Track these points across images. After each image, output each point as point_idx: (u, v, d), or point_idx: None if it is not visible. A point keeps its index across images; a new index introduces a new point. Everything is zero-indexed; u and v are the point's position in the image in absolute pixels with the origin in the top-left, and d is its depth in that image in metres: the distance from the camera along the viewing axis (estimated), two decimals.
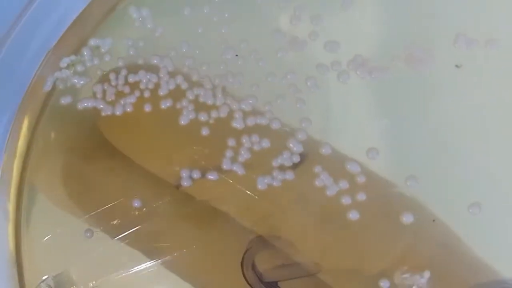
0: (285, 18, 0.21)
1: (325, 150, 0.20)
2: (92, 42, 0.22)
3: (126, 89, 0.22)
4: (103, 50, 0.22)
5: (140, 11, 0.22)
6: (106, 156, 0.22)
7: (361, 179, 0.20)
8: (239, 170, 0.21)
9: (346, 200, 0.20)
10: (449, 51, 0.19)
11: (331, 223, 0.20)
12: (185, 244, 0.21)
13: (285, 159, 0.21)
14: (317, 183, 0.20)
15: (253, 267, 0.21)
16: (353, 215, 0.19)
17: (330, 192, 0.20)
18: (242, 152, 0.21)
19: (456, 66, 0.19)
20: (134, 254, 0.21)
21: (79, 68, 0.23)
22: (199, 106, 0.21)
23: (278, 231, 0.21)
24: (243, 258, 0.21)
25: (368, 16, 0.20)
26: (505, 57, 0.19)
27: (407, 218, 0.19)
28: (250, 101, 0.21)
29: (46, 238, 0.22)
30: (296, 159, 0.20)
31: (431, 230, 0.19)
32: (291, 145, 0.21)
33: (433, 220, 0.19)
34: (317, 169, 0.20)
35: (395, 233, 0.19)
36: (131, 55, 0.22)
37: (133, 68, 0.22)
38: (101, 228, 0.21)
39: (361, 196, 0.20)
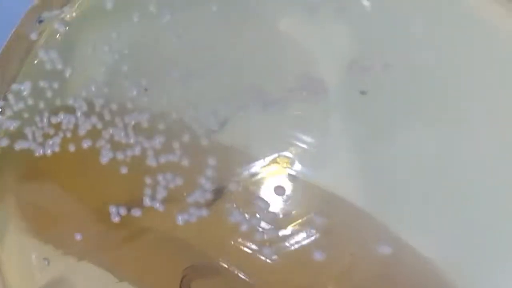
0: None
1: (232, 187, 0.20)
2: (14, 86, 0.23)
3: (51, 131, 0.22)
4: (25, 93, 0.23)
5: (48, 53, 0.22)
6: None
7: None
8: (159, 207, 0.21)
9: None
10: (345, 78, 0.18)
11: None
12: (123, 270, 0.22)
13: (197, 196, 0.20)
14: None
15: None
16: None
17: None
18: (159, 189, 0.21)
19: (361, 92, 0.18)
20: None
21: (8, 112, 0.23)
22: (116, 145, 0.21)
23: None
24: (180, 286, 0.22)
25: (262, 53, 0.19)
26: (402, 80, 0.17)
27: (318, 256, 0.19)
28: (158, 140, 0.21)
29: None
30: (209, 195, 0.20)
31: None
32: (202, 181, 0.20)
33: None
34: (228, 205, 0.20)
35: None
36: (49, 97, 0.22)
37: (54, 110, 0.22)
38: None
39: None
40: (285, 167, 0.19)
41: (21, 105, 0.23)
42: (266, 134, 0.19)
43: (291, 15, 0.18)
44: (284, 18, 0.18)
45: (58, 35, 0.22)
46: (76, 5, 0.21)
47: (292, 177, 0.19)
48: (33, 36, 0.22)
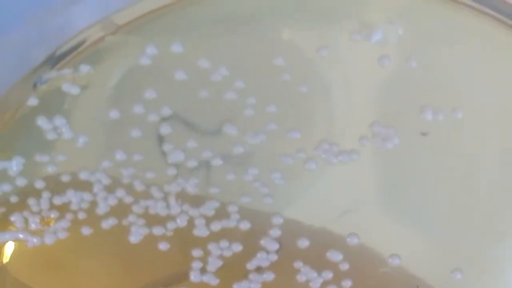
0: None
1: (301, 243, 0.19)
2: None
3: (53, 214, 0.18)
4: (11, 173, 0.18)
5: (52, 120, 0.18)
6: None
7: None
8: (211, 280, 0.19)
9: None
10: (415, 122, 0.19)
11: None
12: None
13: (260, 259, 0.19)
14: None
15: None
16: None
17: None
18: (211, 261, 0.19)
19: (422, 134, 0.19)
20: None
21: None
22: (151, 219, 0.19)
23: None
24: None
25: (330, 99, 0.19)
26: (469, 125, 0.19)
27: None
28: (211, 206, 0.19)
29: None
30: (273, 257, 0.19)
31: None
32: (265, 244, 0.19)
33: (417, 286, 0.19)
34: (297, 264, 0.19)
35: None
36: (51, 174, 0.18)
37: (58, 189, 0.18)
38: None
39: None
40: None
41: (5, 188, 0.18)
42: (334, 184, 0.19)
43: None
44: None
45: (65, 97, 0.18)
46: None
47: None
48: (31, 102, 0.18)
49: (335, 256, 0.19)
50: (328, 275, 0.19)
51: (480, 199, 0.19)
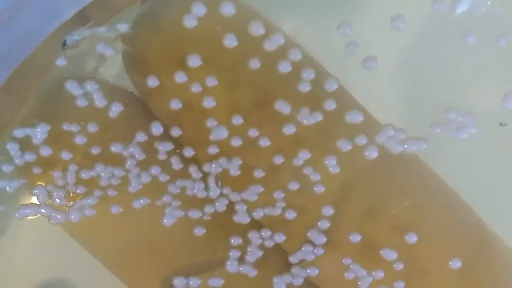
0: None
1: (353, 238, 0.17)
2: (16, 132, 0.16)
3: (80, 189, 0.16)
4: (35, 141, 0.16)
5: (82, 85, 0.16)
6: None
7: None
8: (249, 271, 0.17)
9: None
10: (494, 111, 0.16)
11: None
12: None
13: (306, 252, 0.17)
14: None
15: None
16: None
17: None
18: (251, 250, 0.17)
19: (500, 124, 0.16)
20: None
21: (5, 168, 0.16)
22: (187, 201, 0.17)
23: None
24: None
25: (401, 82, 0.16)
26: None
27: None
28: (255, 190, 0.17)
29: None
30: (319, 252, 0.17)
31: None
32: (311, 236, 0.17)
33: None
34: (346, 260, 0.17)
35: None
36: (79, 145, 0.16)
37: (86, 162, 0.16)
38: None
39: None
40: None
41: (28, 157, 0.16)
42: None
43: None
44: None
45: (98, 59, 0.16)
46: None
47: None
48: (60, 62, 0.15)
49: (388, 254, 0.17)
50: (379, 274, 0.17)
51: None
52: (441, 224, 0.17)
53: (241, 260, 0.17)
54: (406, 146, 0.16)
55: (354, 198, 0.17)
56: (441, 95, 0.16)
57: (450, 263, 0.17)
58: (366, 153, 0.16)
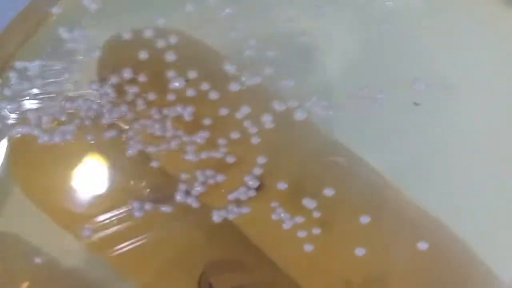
0: None
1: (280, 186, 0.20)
2: (18, 65, 0.20)
3: (64, 117, 0.20)
4: (30, 74, 0.20)
5: (72, 32, 0.20)
6: None
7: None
8: (194, 203, 0.20)
9: None
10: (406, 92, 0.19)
11: None
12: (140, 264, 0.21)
13: (240, 193, 0.20)
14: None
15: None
16: None
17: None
18: (196, 185, 0.20)
19: (415, 104, 0.19)
20: None
21: (7, 92, 0.20)
22: (147, 138, 0.20)
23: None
24: (199, 282, 0.21)
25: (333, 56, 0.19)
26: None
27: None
28: (202, 134, 0.20)
29: None
30: (252, 193, 0.20)
31: None
32: (247, 179, 0.20)
33: None
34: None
35: None
36: (65, 80, 0.20)
37: (70, 96, 0.20)
38: None
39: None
40: None
41: (25, 85, 0.20)
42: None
43: None
44: None
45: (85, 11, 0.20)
46: None
47: None
48: (55, 10, 0.19)
49: (309, 203, 0.20)
50: (300, 219, 0.20)
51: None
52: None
53: (187, 193, 0.20)
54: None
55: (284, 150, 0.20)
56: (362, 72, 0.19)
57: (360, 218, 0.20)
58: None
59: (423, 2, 0.18)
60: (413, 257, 0.19)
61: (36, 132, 0.20)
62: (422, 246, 0.19)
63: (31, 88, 0.20)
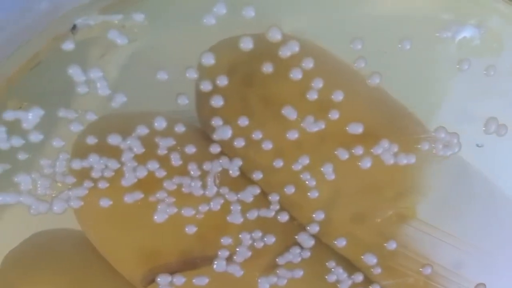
0: None
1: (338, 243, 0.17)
2: (6, 115, 0.15)
3: (69, 179, 0.16)
4: (25, 125, 0.15)
5: (87, 72, 0.15)
6: None
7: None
8: (236, 271, 0.17)
9: None
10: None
11: None
12: None
13: (293, 255, 0.17)
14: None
15: None
16: None
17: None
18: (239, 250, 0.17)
19: (477, 145, 0.18)
20: None
21: None
22: (182, 199, 0.16)
23: None
24: None
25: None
26: None
27: None
28: (252, 191, 0.17)
29: None
30: (306, 254, 0.17)
31: None
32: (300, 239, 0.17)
33: None
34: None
35: None
36: (74, 133, 0.15)
37: (79, 152, 0.15)
38: None
39: None
40: None
41: (14, 142, 0.15)
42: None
43: None
44: None
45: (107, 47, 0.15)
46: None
47: None
48: (67, 46, 0.14)
49: (370, 259, 0.18)
50: (359, 277, 0.18)
51: None
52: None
53: (229, 260, 0.17)
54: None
55: (344, 204, 0.17)
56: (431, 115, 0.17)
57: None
58: (360, 163, 0.17)
59: None
60: None
61: (25, 200, 0.15)
62: None
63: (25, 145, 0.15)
